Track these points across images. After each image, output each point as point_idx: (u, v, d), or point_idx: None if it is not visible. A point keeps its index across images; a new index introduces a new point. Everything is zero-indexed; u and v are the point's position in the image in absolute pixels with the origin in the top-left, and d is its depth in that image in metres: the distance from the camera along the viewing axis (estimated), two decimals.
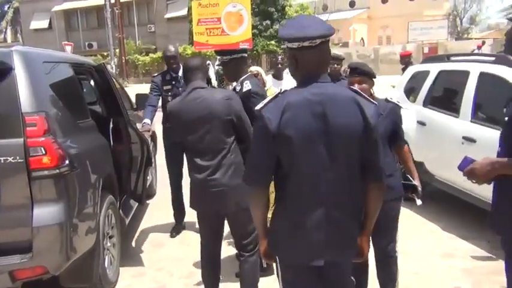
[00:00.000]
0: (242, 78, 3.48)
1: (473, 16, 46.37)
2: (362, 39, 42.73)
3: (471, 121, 4.37)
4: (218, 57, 4.00)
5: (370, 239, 2.92)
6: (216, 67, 15.64)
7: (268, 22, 29.29)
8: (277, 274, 2.16)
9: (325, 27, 1.93)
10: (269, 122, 1.88)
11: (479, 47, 20.79)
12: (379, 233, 2.93)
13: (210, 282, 3.12)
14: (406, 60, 8.86)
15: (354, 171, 1.95)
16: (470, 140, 4.22)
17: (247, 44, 20.89)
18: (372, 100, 1.98)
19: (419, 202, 2.95)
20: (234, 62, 3.49)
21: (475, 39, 33.19)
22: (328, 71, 3.89)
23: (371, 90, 2.93)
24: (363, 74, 2.88)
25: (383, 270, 3.07)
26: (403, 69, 8.81)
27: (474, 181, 2.13)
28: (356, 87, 2.78)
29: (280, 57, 5.63)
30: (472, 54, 5.38)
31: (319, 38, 1.88)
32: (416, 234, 3.65)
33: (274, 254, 2.07)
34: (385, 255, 3.03)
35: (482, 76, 4.38)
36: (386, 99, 2.97)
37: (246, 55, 3.70)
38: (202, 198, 2.98)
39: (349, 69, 2.99)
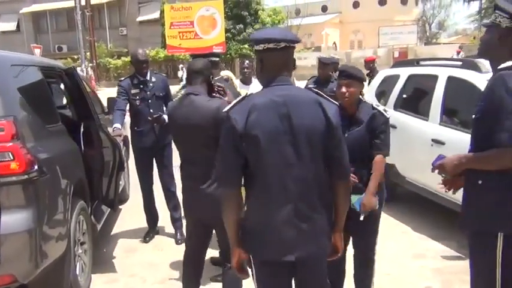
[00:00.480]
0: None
1: (441, 22, 47.66)
2: (334, 43, 43.30)
3: (440, 124, 4.49)
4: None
5: (351, 239, 2.98)
6: None
7: (241, 26, 29.35)
8: (253, 276, 2.17)
9: (290, 34, 2.07)
10: (236, 122, 1.95)
11: (458, 52, 21.31)
12: (360, 235, 3.01)
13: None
14: (370, 65, 9.08)
15: (320, 169, 2.03)
16: (439, 142, 4.33)
17: (221, 48, 20.91)
18: (333, 101, 2.07)
19: (361, 217, 2.85)
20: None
21: (444, 44, 34.09)
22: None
23: (361, 93, 2.93)
24: (350, 77, 2.87)
25: (360, 271, 3.09)
26: (368, 75, 9.02)
27: (443, 175, 2.25)
28: (343, 90, 2.85)
29: (246, 61, 5.65)
30: (441, 59, 5.52)
31: (283, 42, 1.98)
32: (388, 235, 3.71)
33: (248, 253, 2.09)
34: (365, 257, 3.05)
35: (450, 80, 4.51)
36: (372, 106, 2.94)
37: (218, 59, 3.77)
38: (192, 207, 2.96)
39: (338, 72, 3.02)
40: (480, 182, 2.10)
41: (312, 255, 2.06)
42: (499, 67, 2.04)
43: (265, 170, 1.99)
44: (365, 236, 3.01)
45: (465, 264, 3.71)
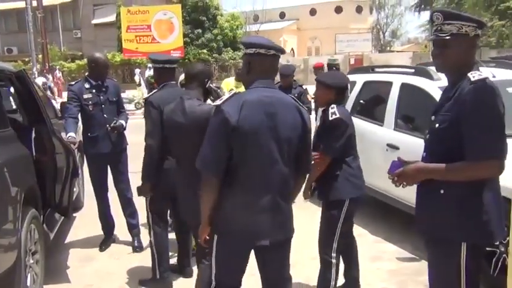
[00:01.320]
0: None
1: (394, 30, 49.24)
2: (292, 49, 43.85)
3: (394, 129, 4.62)
4: (149, 65, 3.99)
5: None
6: (147, 74, 15.34)
7: (199, 31, 29.24)
8: (212, 257, 2.35)
9: (279, 45, 2.32)
10: (229, 115, 2.13)
11: None
12: (320, 236, 3.24)
13: None
14: (319, 71, 9.31)
15: (291, 163, 2.29)
16: (394, 147, 4.45)
17: (179, 52, 20.76)
18: (304, 107, 2.35)
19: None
20: (166, 70, 3.69)
21: (397, 52, 35.21)
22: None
23: (328, 98, 3.14)
24: (317, 82, 3.23)
25: (320, 273, 3.25)
26: (317, 80, 9.22)
27: (405, 184, 2.22)
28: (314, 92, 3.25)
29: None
30: (395, 66, 5.68)
31: (273, 50, 2.24)
32: None
33: (222, 236, 2.28)
34: (322, 259, 3.22)
35: (404, 87, 4.65)
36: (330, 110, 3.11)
37: (175, 66, 3.80)
38: (189, 211, 2.96)
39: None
40: (442, 191, 2.10)
41: (282, 240, 2.33)
42: (472, 79, 2.01)
43: (250, 162, 2.19)
44: (323, 237, 3.26)
45: (419, 266, 3.84)
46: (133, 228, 4.59)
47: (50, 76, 21.19)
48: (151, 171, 3.48)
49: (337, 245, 3.16)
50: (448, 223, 2.10)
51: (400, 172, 2.20)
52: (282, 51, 2.28)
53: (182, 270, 3.89)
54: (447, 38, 2.05)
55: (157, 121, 3.41)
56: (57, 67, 25.25)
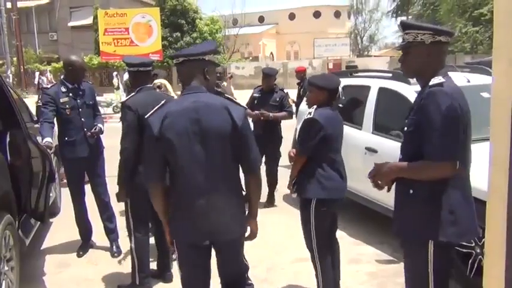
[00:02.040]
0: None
1: (372, 35, 49.81)
2: (271, 53, 44.08)
3: (372, 133, 4.68)
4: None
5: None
6: (125, 77, 15.21)
7: (178, 34, 29.11)
8: (177, 257, 2.47)
9: (197, 48, 2.42)
10: (152, 127, 2.27)
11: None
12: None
13: None
14: (301, 75, 9.40)
15: (230, 165, 2.34)
16: (372, 150, 4.51)
17: (158, 56, 20.62)
18: (241, 105, 2.40)
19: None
20: (140, 73, 3.69)
21: (375, 56, 35.68)
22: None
23: (320, 99, 3.21)
24: (309, 84, 3.33)
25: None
26: (298, 84, 9.34)
27: (382, 184, 2.34)
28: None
29: (218, 68, 5.70)
30: (373, 70, 5.75)
31: (181, 57, 2.37)
32: None
33: (172, 237, 2.42)
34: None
35: (381, 91, 4.72)
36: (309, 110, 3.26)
37: (150, 68, 3.78)
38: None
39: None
40: (411, 191, 2.22)
41: (225, 239, 2.39)
42: (431, 83, 2.16)
43: (181, 167, 2.28)
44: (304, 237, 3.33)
45: (398, 268, 3.88)
46: (111, 232, 4.53)
47: (44, 78, 21.09)
48: (127, 175, 3.46)
49: (317, 246, 3.18)
50: (416, 222, 2.22)
51: (374, 171, 2.35)
52: (192, 55, 2.38)
53: (162, 274, 3.86)
54: (405, 46, 2.25)
55: (133, 125, 3.39)
56: (48, 69, 24.86)
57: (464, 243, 3.22)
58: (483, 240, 2.80)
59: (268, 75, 5.86)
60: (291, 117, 5.95)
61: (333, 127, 3.17)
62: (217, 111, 2.29)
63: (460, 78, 4.52)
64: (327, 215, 3.21)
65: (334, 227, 3.42)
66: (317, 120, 3.10)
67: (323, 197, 3.12)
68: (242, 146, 2.34)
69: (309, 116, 3.15)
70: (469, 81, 4.23)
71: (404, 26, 2.25)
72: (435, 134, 2.08)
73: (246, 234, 2.50)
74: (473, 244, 3.42)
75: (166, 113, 2.28)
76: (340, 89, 3.25)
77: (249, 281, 2.74)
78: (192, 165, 2.27)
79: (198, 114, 2.26)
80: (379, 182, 2.35)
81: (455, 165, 2.10)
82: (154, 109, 2.35)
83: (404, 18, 31.41)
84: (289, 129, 6.29)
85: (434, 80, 2.16)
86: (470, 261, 3.48)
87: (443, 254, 2.20)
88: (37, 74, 22.72)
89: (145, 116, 2.35)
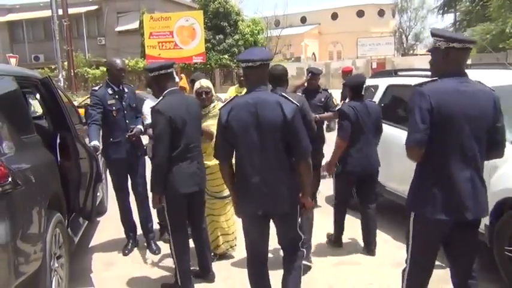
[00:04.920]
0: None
1: (417, 33, 48.53)
2: (314, 54, 43.73)
3: None
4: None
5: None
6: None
7: (221, 36, 29.42)
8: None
9: (264, 54, 2.90)
10: (222, 117, 2.85)
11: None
12: None
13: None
14: (348, 75, 9.25)
15: (281, 150, 2.82)
16: None
17: (201, 58, 20.90)
18: (294, 102, 2.83)
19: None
20: (162, 77, 3.58)
21: (420, 55, 34.70)
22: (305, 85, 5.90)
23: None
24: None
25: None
26: (344, 84, 9.16)
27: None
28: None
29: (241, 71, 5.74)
30: (419, 69, 5.59)
31: (259, 61, 2.82)
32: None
33: (237, 209, 3.03)
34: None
35: None
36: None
37: (171, 70, 3.67)
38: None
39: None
40: (413, 174, 2.69)
41: (277, 212, 2.91)
42: (419, 82, 2.61)
43: (241, 151, 2.84)
44: None
45: (445, 273, 3.74)
46: (149, 232, 4.62)
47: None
48: (160, 181, 3.46)
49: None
50: (408, 195, 2.73)
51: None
52: (266, 59, 2.87)
53: (204, 275, 3.88)
54: (430, 50, 2.66)
55: (165, 130, 3.39)
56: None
57: None
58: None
59: (313, 73, 5.82)
60: (337, 117, 5.87)
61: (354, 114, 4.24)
62: (271, 107, 2.78)
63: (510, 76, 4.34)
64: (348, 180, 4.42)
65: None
66: (343, 110, 4.29)
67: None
68: (293, 136, 2.79)
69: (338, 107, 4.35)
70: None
71: (431, 34, 2.64)
72: (409, 125, 2.55)
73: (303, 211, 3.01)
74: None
75: (232, 106, 2.83)
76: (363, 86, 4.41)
77: (302, 249, 3.09)
78: (250, 150, 2.80)
79: (256, 108, 2.77)
80: None
81: (416, 151, 2.51)
82: (225, 102, 2.93)
83: (451, 15, 30.35)
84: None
85: (421, 80, 2.65)
86: None
87: (421, 224, 2.64)
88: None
89: (218, 108, 2.97)
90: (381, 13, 45.78)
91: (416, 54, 41.03)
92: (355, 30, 38.65)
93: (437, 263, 4.05)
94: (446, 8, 32.11)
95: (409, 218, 2.71)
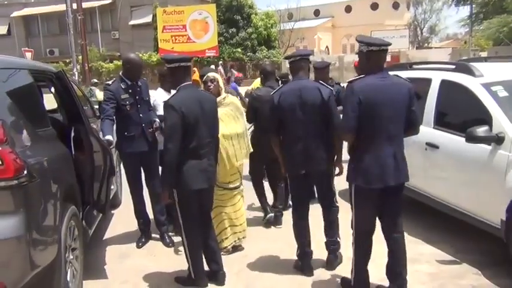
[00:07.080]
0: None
1: (432, 26, 47.94)
2: (327, 47, 43.43)
3: (434, 127, 4.46)
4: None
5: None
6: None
7: (234, 30, 29.36)
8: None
9: (305, 52, 4.10)
10: (275, 100, 3.76)
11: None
12: None
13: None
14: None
15: (320, 124, 3.71)
16: (433, 146, 4.31)
17: (214, 52, 20.94)
18: (328, 87, 3.82)
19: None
20: (181, 69, 3.54)
21: (435, 48, 34.27)
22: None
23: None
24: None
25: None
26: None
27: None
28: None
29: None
30: (434, 62, 5.51)
31: (299, 56, 3.86)
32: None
33: (285, 170, 3.90)
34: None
35: (444, 84, 4.50)
36: None
37: (190, 64, 3.64)
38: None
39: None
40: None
41: (315, 170, 3.77)
42: (350, 79, 3.23)
43: (288, 125, 3.74)
44: None
45: (460, 269, 3.72)
46: (162, 225, 4.65)
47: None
48: (170, 177, 3.44)
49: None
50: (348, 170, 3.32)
51: None
52: (305, 54, 3.93)
53: (214, 276, 3.78)
54: (356, 53, 3.28)
55: (177, 125, 3.36)
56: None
57: None
58: None
59: (317, 68, 5.84)
60: None
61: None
62: (312, 90, 3.71)
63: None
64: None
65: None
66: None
67: None
68: (329, 114, 3.69)
69: None
70: None
71: (356, 40, 3.25)
72: (342, 113, 3.22)
73: (336, 172, 3.88)
74: None
75: (281, 92, 3.78)
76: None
77: (336, 204, 3.96)
78: (295, 123, 3.70)
79: (300, 92, 3.69)
80: None
81: (349, 136, 3.18)
82: (276, 89, 3.89)
83: (467, 7, 29.84)
84: None
85: (354, 77, 3.24)
86: None
87: (361, 194, 3.22)
88: None
89: (271, 93, 3.86)
90: (396, 5, 45.23)
91: (431, 47, 40.53)
92: (369, 23, 38.23)
93: (452, 258, 4.04)
94: (462, 1, 31.62)
95: (350, 190, 3.30)
